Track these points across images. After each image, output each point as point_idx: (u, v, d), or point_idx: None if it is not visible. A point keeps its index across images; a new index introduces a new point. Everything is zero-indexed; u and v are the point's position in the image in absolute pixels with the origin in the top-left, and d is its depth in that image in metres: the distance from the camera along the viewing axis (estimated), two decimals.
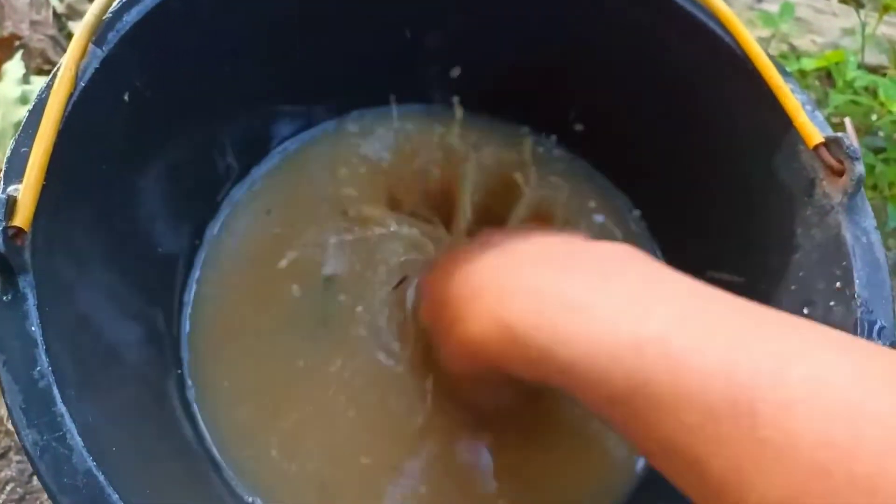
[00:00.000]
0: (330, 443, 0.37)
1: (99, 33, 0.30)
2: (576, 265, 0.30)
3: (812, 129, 0.32)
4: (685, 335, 0.24)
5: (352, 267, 0.41)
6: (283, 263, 0.41)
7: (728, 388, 0.22)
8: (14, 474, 0.50)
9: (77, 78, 0.28)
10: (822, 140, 0.32)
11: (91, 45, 0.29)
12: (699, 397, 0.23)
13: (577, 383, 0.26)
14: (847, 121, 0.33)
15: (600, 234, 0.44)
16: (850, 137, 0.31)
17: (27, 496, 0.50)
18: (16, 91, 0.59)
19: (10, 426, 0.51)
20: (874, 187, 0.61)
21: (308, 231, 0.42)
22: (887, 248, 0.63)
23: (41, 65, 0.63)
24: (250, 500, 0.35)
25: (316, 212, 0.42)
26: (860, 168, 0.30)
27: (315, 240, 0.42)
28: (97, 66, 0.29)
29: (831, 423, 0.20)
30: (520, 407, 0.39)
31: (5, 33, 0.64)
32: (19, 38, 0.64)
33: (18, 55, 0.62)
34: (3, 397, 0.23)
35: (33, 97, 0.58)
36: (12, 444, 0.51)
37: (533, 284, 0.29)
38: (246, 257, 0.41)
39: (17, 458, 0.51)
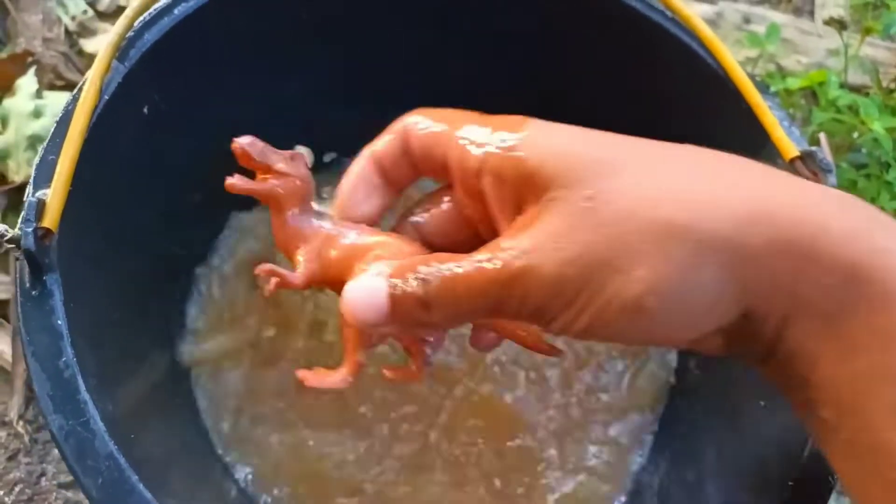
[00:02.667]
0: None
1: (122, 50, 0.32)
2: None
3: (788, 144, 0.34)
4: None
5: None
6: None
7: None
8: (23, 476, 0.52)
9: (101, 91, 0.30)
10: (798, 154, 0.34)
11: (115, 62, 0.31)
12: None
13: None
14: (822, 136, 0.35)
15: None
16: (824, 151, 0.33)
17: (35, 497, 0.51)
18: (29, 105, 0.61)
19: (19, 429, 0.52)
20: None
21: None
22: None
23: (53, 80, 0.65)
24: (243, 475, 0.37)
25: None
26: (832, 180, 0.32)
27: None
28: (120, 80, 0.31)
29: None
30: None
31: (19, 50, 0.66)
32: (32, 54, 0.66)
33: (31, 71, 0.64)
34: (32, 384, 0.25)
35: (46, 111, 0.60)
36: (21, 446, 0.52)
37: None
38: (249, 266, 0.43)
39: (27, 459, 0.52)
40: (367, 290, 0.25)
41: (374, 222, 0.29)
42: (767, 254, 0.22)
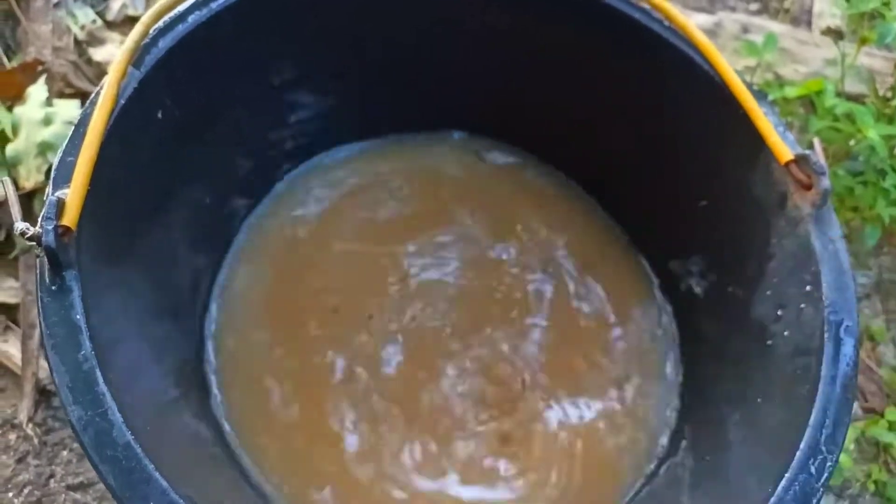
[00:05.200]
0: None
1: (137, 57, 0.33)
2: None
3: (783, 148, 0.35)
4: None
5: None
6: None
7: None
8: (32, 478, 0.52)
9: (118, 96, 0.31)
10: (793, 157, 0.35)
11: (130, 68, 0.32)
12: None
13: None
14: (815, 139, 0.36)
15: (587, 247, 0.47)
16: (818, 154, 0.34)
17: (44, 499, 0.51)
18: (39, 113, 0.62)
19: (29, 431, 0.53)
20: (855, 209, 0.63)
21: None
22: (867, 268, 0.66)
23: (63, 88, 0.66)
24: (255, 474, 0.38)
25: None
26: (826, 182, 0.33)
27: None
28: (135, 85, 0.32)
29: None
30: None
31: (29, 59, 0.67)
32: (42, 63, 0.67)
33: (42, 79, 0.65)
34: (52, 377, 0.26)
35: (56, 119, 0.62)
36: (30, 448, 0.53)
37: None
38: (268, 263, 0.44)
39: (35, 462, 0.52)
40: None
41: None
42: None
